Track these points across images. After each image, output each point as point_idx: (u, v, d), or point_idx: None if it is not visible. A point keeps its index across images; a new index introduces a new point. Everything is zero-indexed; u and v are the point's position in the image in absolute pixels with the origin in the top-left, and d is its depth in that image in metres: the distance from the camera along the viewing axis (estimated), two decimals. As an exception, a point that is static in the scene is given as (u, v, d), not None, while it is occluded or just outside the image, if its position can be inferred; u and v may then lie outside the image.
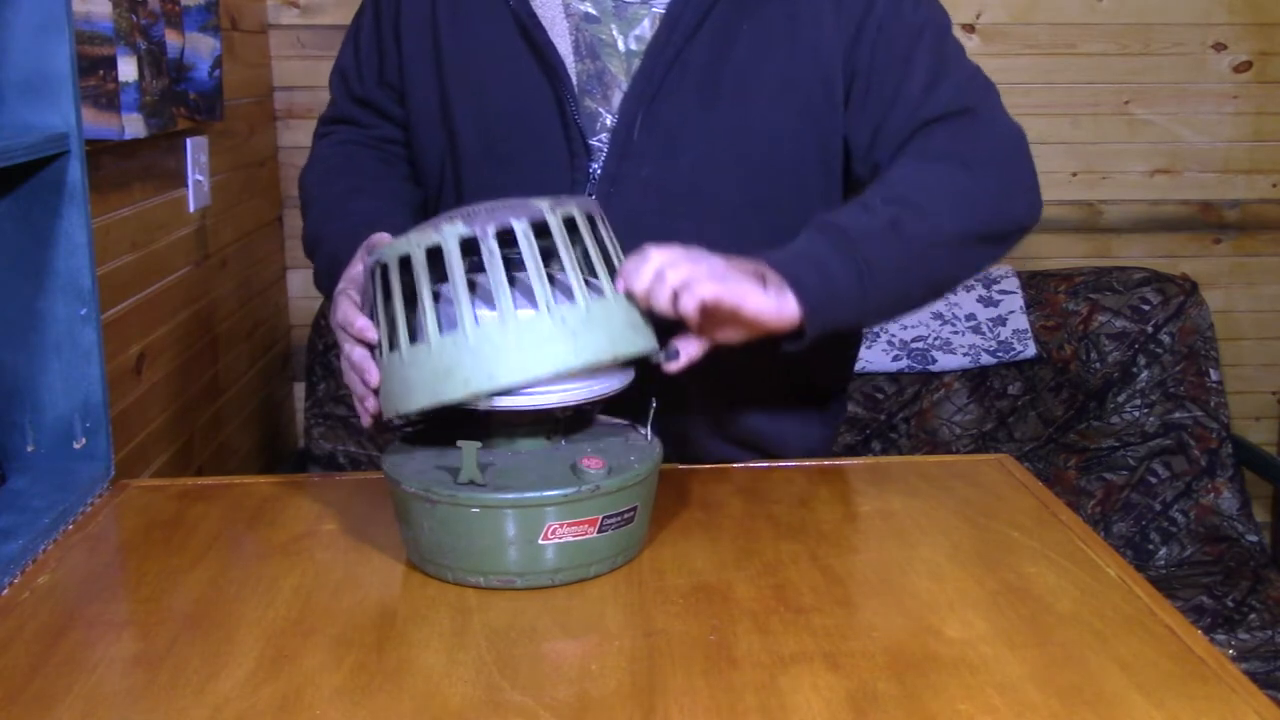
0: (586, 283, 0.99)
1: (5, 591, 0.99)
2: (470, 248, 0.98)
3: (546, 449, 1.03)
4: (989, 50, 2.68)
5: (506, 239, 0.97)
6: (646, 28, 1.18)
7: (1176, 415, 2.61)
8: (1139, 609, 0.94)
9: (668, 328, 1.04)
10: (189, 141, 1.95)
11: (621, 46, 1.19)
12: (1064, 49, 2.71)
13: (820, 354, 1.27)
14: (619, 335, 0.99)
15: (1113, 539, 2.51)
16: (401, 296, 0.99)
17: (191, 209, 1.98)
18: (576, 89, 1.18)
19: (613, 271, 1.02)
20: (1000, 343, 2.60)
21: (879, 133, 1.18)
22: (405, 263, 0.99)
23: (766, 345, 1.07)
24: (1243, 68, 2.73)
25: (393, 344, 1.00)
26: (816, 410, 1.33)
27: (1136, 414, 2.61)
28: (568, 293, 0.98)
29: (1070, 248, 2.81)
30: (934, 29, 1.20)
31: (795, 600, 0.96)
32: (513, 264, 0.97)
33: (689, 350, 1.04)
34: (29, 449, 1.21)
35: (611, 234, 1.05)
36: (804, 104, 1.18)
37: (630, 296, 1.00)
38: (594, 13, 1.19)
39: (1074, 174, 2.77)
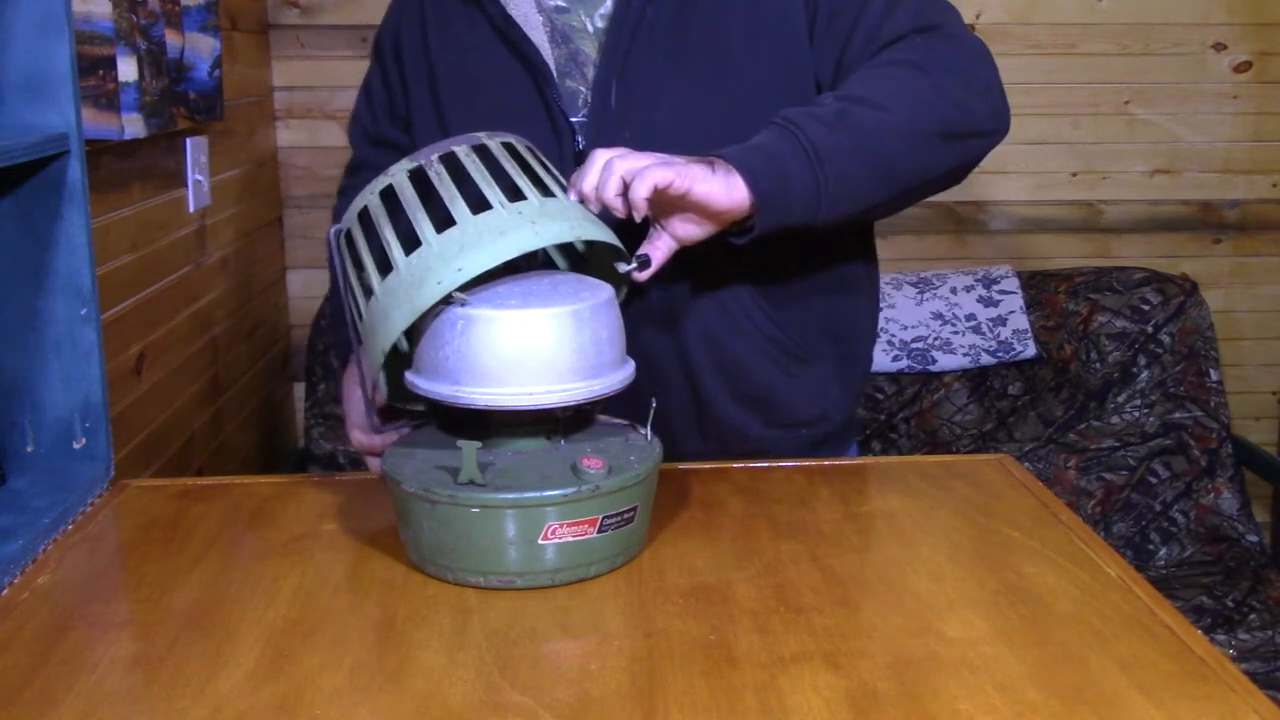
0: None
1: (5, 591, 0.99)
2: (424, 188, 1.00)
3: (546, 449, 1.03)
4: (989, 50, 2.68)
5: (454, 172, 1.00)
6: (610, 5, 1.23)
7: (1176, 415, 2.61)
8: (1139, 609, 0.94)
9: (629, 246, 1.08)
10: (189, 141, 1.95)
11: (590, 27, 1.24)
12: (1064, 49, 2.71)
13: (838, 287, 1.29)
14: (577, 223, 1.01)
15: (1113, 539, 2.51)
16: (370, 255, 1.01)
17: (191, 209, 1.98)
18: (555, 73, 1.23)
19: (560, 188, 1.05)
20: (1000, 343, 2.60)
21: (841, 63, 1.21)
22: (367, 220, 1.02)
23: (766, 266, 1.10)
24: (1243, 68, 2.73)
25: (369, 292, 1.01)
26: (834, 366, 1.30)
27: (1136, 414, 2.61)
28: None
29: (1070, 248, 2.81)
30: None
31: (795, 600, 0.96)
32: (466, 192, 1.00)
33: (656, 255, 1.08)
34: (29, 449, 1.21)
35: (551, 165, 1.08)
36: (772, 48, 1.21)
37: (583, 203, 1.04)
38: (563, 4, 1.25)
39: (1074, 174, 2.77)
